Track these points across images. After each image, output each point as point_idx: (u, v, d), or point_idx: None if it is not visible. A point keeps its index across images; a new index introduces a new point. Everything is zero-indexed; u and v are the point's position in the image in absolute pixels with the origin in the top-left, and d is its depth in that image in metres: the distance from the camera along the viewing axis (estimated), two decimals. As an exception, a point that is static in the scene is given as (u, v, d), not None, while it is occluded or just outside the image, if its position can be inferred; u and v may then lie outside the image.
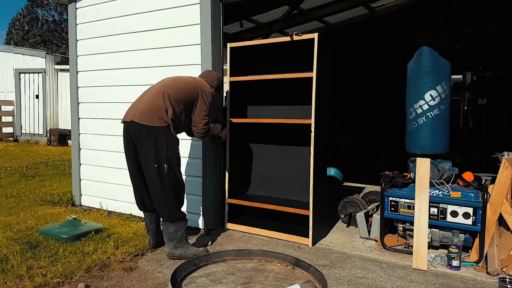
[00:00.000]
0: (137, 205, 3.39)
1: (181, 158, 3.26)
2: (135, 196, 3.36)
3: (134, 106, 3.22)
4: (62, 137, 12.04)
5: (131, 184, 3.32)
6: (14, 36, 27.96)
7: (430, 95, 3.96)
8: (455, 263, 3.02)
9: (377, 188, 4.13)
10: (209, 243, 3.58)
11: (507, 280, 2.66)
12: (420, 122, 4.03)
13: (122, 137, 3.21)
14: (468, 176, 3.32)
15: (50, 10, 28.28)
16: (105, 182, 4.71)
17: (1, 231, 3.78)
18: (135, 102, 3.25)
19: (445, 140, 4.07)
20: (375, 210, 3.85)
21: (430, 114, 3.98)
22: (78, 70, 4.88)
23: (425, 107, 4.00)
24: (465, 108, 7.81)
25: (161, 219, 3.22)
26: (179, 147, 3.24)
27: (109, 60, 4.59)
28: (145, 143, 3.05)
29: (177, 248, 3.18)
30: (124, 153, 3.24)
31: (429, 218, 3.22)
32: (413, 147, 4.15)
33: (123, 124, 3.21)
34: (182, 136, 3.46)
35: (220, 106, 3.95)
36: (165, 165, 3.05)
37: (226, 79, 4.00)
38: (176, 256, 3.19)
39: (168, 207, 3.14)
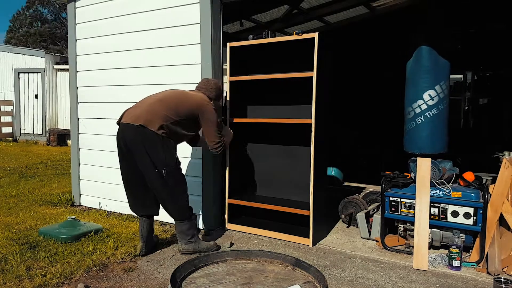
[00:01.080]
0: (134, 208, 3.33)
1: (180, 161, 3.26)
2: (133, 200, 3.29)
3: (132, 109, 3.22)
4: (61, 137, 12.02)
5: (126, 187, 3.27)
6: (14, 35, 27.95)
7: (429, 94, 3.95)
8: (455, 263, 3.01)
9: (378, 188, 4.12)
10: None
11: (502, 280, 2.66)
12: (419, 121, 4.02)
13: (116, 139, 3.21)
14: (469, 176, 3.30)
15: (50, 8, 28.30)
16: (105, 182, 4.70)
17: (1, 231, 3.77)
18: (134, 106, 3.25)
19: (443, 140, 4.05)
20: (375, 210, 3.83)
21: (429, 113, 3.97)
22: (77, 70, 4.86)
23: (424, 106, 3.98)
24: (466, 107, 7.80)
25: (174, 219, 3.29)
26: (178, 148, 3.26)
27: (109, 59, 4.57)
28: (141, 147, 3.04)
29: (191, 244, 3.27)
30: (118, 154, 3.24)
31: (430, 218, 3.21)
32: (411, 146, 4.13)
33: (118, 126, 3.22)
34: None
35: (220, 106, 3.94)
36: (163, 170, 3.07)
37: (226, 79, 3.99)
38: (190, 251, 3.27)
39: (176, 207, 3.23)
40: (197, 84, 3.55)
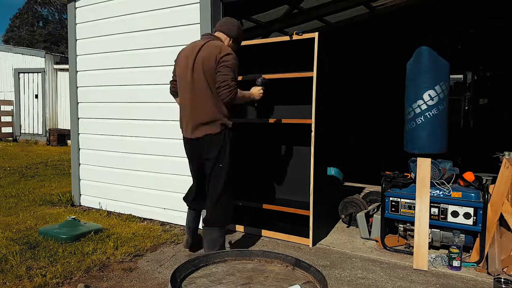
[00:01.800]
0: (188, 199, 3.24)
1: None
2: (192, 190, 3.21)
3: (185, 119, 3.00)
4: (61, 137, 12.02)
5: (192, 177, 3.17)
6: (13, 35, 27.95)
7: (429, 95, 3.95)
8: (455, 263, 3.01)
9: (378, 188, 4.13)
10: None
11: (502, 280, 2.67)
12: (419, 122, 4.03)
13: (185, 147, 3.09)
14: (469, 176, 3.30)
15: (51, 9, 28.30)
16: (105, 183, 4.69)
17: (1, 231, 3.77)
18: (184, 113, 3.01)
19: (443, 140, 4.06)
20: (375, 210, 3.83)
21: (429, 114, 3.97)
22: (77, 70, 4.86)
23: (424, 107, 3.99)
24: (466, 107, 7.80)
25: (203, 223, 3.00)
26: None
27: (109, 60, 4.57)
28: (208, 155, 2.92)
29: None
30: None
31: (430, 218, 3.21)
32: (411, 146, 4.14)
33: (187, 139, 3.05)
34: (177, 135, 3.36)
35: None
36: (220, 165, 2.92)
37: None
38: None
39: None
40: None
